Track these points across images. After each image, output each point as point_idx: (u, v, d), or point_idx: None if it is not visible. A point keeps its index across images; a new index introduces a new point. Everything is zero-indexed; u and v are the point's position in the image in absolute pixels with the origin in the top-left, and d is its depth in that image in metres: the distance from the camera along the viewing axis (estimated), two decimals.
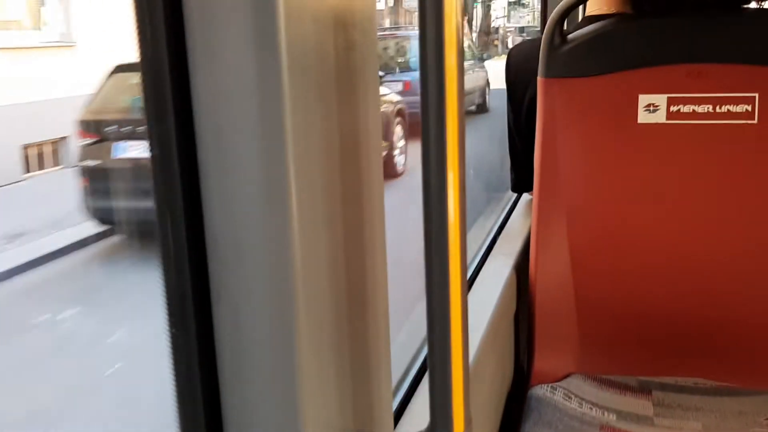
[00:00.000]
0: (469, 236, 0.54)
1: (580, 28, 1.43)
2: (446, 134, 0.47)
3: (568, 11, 1.36)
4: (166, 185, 0.45)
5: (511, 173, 1.70)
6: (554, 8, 1.39)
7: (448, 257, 0.50)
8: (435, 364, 0.53)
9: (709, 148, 1.28)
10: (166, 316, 0.47)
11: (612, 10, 1.47)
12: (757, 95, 1.25)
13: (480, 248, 1.54)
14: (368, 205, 0.58)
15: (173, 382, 0.48)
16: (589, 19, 1.47)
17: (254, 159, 0.45)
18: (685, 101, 1.28)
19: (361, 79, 0.55)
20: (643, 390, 1.31)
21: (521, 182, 1.68)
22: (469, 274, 1.39)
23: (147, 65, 0.44)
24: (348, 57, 0.52)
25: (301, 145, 0.45)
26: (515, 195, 1.83)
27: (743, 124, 1.26)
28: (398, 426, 0.86)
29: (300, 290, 0.47)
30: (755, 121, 1.25)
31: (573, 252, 1.35)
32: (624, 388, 1.32)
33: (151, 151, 0.45)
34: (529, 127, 1.52)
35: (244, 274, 0.47)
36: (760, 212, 1.29)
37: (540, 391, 1.31)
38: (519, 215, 1.73)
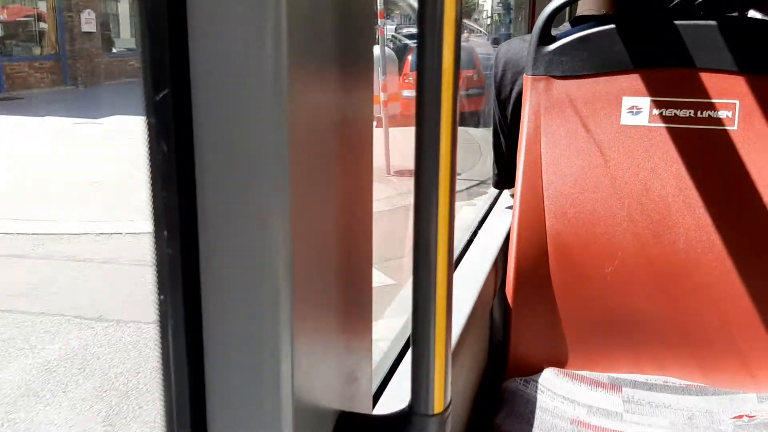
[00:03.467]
0: None
1: (571, 27, 1.45)
2: (441, 125, 0.48)
3: (557, 11, 1.38)
4: (159, 151, 0.45)
5: (494, 170, 1.72)
6: (543, 8, 1.40)
7: (437, 232, 0.51)
8: (418, 344, 0.54)
9: (689, 151, 1.31)
10: (155, 282, 0.47)
11: (602, 11, 1.49)
12: (738, 102, 1.28)
13: (459, 242, 1.56)
14: (357, 182, 0.59)
15: (158, 347, 0.48)
16: (579, 20, 1.49)
17: (250, 127, 0.45)
18: (668, 105, 1.31)
19: (356, 63, 0.56)
20: (614, 386, 1.34)
21: (504, 179, 1.70)
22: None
23: (146, 24, 0.45)
24: (344, 40, 0.53)
25: (298, 114, 0.46)
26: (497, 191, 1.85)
27: (724, 129, 1.29)
28: (375, 407, 0.87)
29: (290, 263, 0.47)
30: (735, 128, 1.28)
31: (552, 249, 1.37)
32: (595, 383, 1.34)
33: (146, 117, 0.45)
34: (514, 125, 1.54)
35: (233, 245, 0.47)
36: (736, 218, 1.31)
37: (514, 384, 1.33)
38: (499, 211, 1.75)
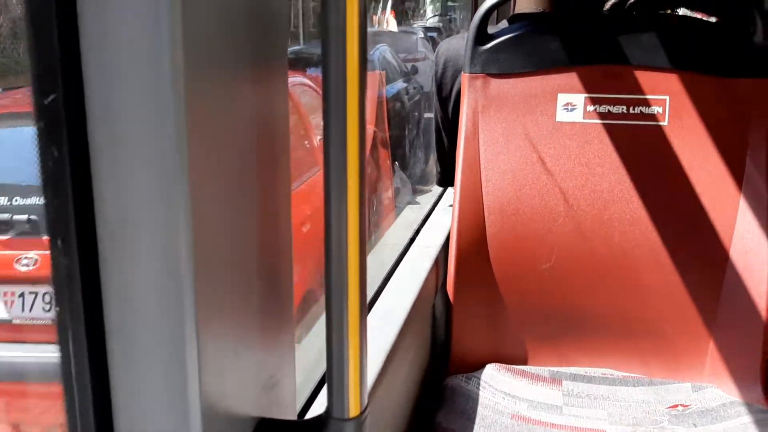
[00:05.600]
0: None
1: (508, 25, 1.46)
2: (347, 141, 0.48)
3: (493, 9, 1.39)
4: (50, 157, 0.43)
5: (437, 168, 1.72)
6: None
7: (347, 245, 0.51)
8: (332, 349, 0.54)
9: (622, 147, 1.33)
10: (52, 294, 0.46)
11: (539, 9, 1.51)
12: (667, 98, 1.30)
13: (403, 240, 1.56)
14: (273, 182, 0.58)
15: (59, 360, 0.47)
16: (517, 17, 1.51)
17: (147, 129, 0.44)
18: (601, 101, 1.33)
19: (268, 60, 0.55)
20: (554, 380, 1.35)
21: (447, 176, 1.70)
22: (390, 265, 1.40)
23: (37, 46, 0.43)
24: (254, 38, 0.52)
25: (198, 113, 0.45)
26: (441, 189, 1.85)
27: (655, 125, 1.31)
28: (309, 412, 0.86)
29: (192, 266, 0.46)
30: (666, 123, 1.31)
31: (491, 246, 1.38)
32: (536, 378, 1.36)
33: (36, 122, 0.43)
34: (455, 122, 1.55)
35: (134, 249, 0.46)
36: (668, 212, 1.34)
37: (455, 380, 1.34)
38: (442, 209, 1.75)
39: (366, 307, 0.54)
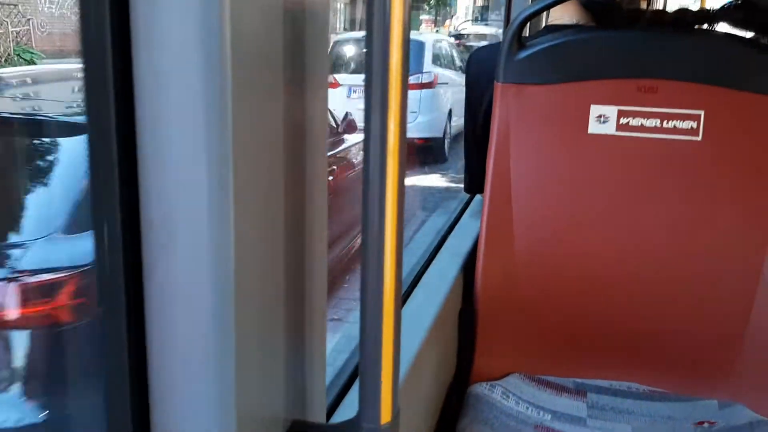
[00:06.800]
0: None
1: (541, 36, 1.46)
2: (388, 141, 0.49)
3: (529, 19, 1.39)
4: (102, 167, 0.45)
5: (465, 174, 1.73)
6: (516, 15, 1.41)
7: (384, 253, 0.52)
8: (366, 355, 0.54)
9: (654, 161, 1.32)
10: (97, 293, 0.47)
11: (573, 20, 1.51)
12: (702, 113, 1.29)
13: (429, 246, 1.56)
14: (310, 194, 0.59)
15: (103, 360, 0.48)
16: (550, 29, 1.51)
17: (195, 146, 0.45)
18: (635, 114, 1.32)
19: (309, 73, 0.56)
20: (579, 392, 1.35)
21: (474, 184, 1.70)
22: (416, 271, 1.41)
23: (88, 48, 0.45)
24: (297, 50, 0.53)
25: (243, 133, 0.46)
26: (468, 195, 1.86)
27: (688, 140, 1.30)
28: (334, 416, 0.87)
29: (235, 272, 0.47)
30: (699, 138, 1.30)
31: (518, 255, 1.38)
32: (560, 389, 1.35)
33: (89, 129, 0.45)
34: (485, 130, 1.55)
35: (177, 254, 0.47)
36: (696, 227, 1.33)
37: (479, 388, 1.34)
38: (470, 216, 1.76)
39: (400, 313, 0.55)
